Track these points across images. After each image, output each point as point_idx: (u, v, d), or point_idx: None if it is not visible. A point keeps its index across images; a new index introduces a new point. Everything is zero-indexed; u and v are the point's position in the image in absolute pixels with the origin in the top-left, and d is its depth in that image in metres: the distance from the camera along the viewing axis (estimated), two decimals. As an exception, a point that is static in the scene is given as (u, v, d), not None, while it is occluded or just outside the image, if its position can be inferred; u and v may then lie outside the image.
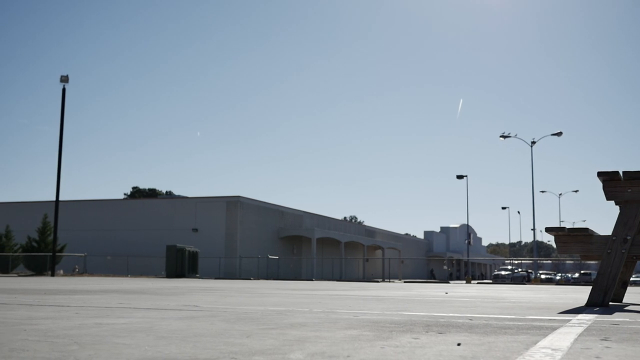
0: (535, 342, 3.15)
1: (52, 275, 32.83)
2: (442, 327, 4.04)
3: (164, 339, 3.20)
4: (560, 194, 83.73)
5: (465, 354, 2.70)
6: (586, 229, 6.68)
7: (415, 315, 5.14)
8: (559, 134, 51.70)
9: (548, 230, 6.81)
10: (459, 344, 3.03)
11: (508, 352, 2.74)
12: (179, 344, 2.98)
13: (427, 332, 3.68)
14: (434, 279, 74.05)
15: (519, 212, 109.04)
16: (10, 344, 2.93)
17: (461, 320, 4.63)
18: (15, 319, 4.43)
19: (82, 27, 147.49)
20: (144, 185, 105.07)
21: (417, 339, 3.29)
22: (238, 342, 3.10)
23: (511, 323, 4.45)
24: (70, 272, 38.94)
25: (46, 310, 5.36)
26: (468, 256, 69.98)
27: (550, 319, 4.92)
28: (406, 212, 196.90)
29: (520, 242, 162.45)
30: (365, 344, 3.03)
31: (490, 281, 48.53)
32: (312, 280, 37.64)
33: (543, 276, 53.85)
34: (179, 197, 61.22)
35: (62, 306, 6.02)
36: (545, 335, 3.51)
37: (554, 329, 3.99)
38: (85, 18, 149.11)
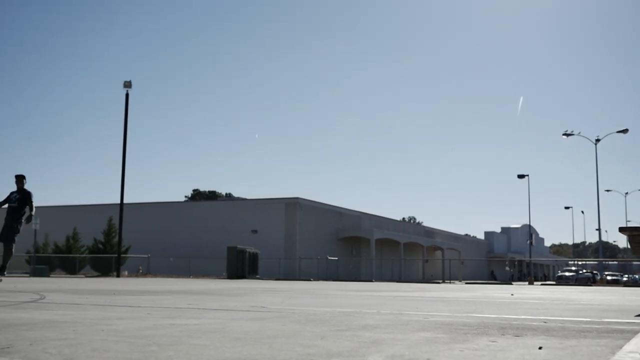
0: (620, 347, 3.04)
1: (118, 276, 33.59)
2: (517, 329, 3.95)
3: (238, 340, 3.21)
4: (627, 193, 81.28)
5: (549, 358, 2.62)
6: (663, 229, 6.44)
7: (487, 318, 5.04)
8: (625, 131, 50.24)
9: (622, 230, 6.60)
10: (540, 348, 2.95)
11: (594, 357, 2.65)
12: (255, 345, 2.99)
13: (502, 334, 3.60)
14: (495, 280, 72.86)
15: (582, 212, 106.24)
16: (91, 344, 2.99)
17: (535, 323, 4.51)
18: (91, 319, 4.53)
19: (140, 30, 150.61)
20: (204, 187, 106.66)
21: (494, 342, 3.22)
22: (313, 343, 3.09)
23: (589, 326, 4.31)
24: (135, 272, 39.77)
25: (119, 311, 5.47)
26: (530, 257, 68.58)
27: (628, 322, 4.76)
28: (466, 212, 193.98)
29: (584, 242, 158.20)
30: (442, 347, 2.98)
31: (554, 282, 47.42)
32: (371, 281, 37.50)
33: (609, 277, 52.28)
34: (239, 199, 61.93)
35: (134, 307, 6.14)
36: (628, 339, 3.38)
37: (635, 332, 3.85)
38: (143, 21, 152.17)
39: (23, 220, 13.51)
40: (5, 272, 14.21)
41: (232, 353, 2.72)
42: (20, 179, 13.72)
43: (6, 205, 13.66)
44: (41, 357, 2.60)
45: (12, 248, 13.77)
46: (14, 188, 13.66)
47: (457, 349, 2.90)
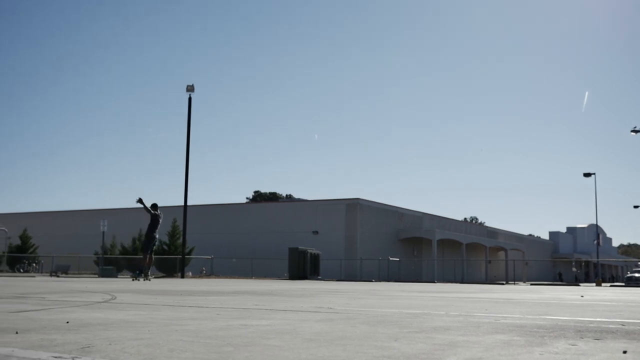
0: None
1: (182, 276, 34.13)
2: (595, 332, 3.82)
3: (311, 341, 3.21)
4: (699, 191, 78.19)
5: (636, 362, 2.52)
6: None
7: (561, 320, 4.90)
8: (697, 126, 48.31)
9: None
10: (624, 352, 2.85)
11: (684, 362, 2.54)
12: (329, 347, 2.97)
13: (581, 338, 3.49)
14: (562, 281, 71.20)
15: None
16: (167, 345, 3.03)
17: (613, 326, 4.37)
18: (163, 319, 4.61)
19: (200, 31, 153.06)
20: (265, 189, 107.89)
21: (574, 345, 3.12)
22: (387, 345, 3.05)
23: (671, 329, 4.14)
24: (198, 273, 40.40)
25: (189, 311, 5.54)
26: (598, 257, 66.72)
27: None
28: (529, 212, 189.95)
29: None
30: (520, 350, 2.90)
31: (623, 284, 46.01)
32: (434, 282, 37.15)
33: (682, 279, 50.35)
34: (299, 200, 62.21)
35: (202, 307, 6.22)
36: None
37: None
38: (203, 22, 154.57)
39: (154, 235, 19.93)
40: (143, 274, 19.57)
41: (307, 355, 2.71)
42: (153, 207, 20.12)
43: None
44: (121, 356, 2.65)
45: (145, 256, 19.87)
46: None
47: (536, 353, 2.82)
